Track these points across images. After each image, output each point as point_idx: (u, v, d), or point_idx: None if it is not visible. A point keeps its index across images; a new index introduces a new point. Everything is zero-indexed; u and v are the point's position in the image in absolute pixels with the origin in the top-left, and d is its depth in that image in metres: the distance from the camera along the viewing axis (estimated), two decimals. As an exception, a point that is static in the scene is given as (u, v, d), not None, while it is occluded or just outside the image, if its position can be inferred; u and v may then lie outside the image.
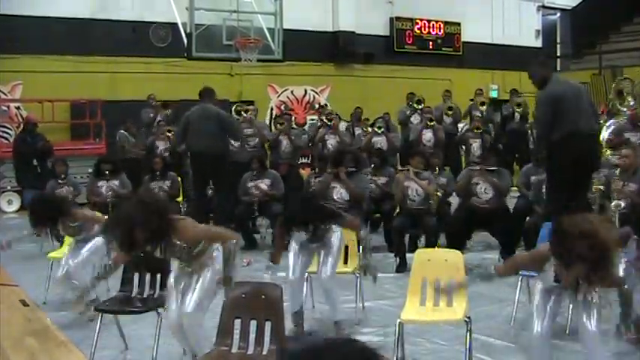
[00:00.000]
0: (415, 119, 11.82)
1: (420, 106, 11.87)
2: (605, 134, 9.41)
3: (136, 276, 4.52)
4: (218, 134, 7.70)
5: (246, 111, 10.25)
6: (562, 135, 5.87)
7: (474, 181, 6.89)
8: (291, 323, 4.77)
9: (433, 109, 12.06)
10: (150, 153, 10.54)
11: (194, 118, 7.76)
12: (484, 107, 12.63)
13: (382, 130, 10.30)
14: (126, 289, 4.50)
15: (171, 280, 3.92)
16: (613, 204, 6.28)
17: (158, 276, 4.47)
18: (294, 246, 4.93)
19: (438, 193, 7.46)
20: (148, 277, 4.51)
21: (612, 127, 9.61)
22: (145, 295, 4.45)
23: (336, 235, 4.89)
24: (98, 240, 5.18)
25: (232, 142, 8.68)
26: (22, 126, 10.78)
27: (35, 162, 9.06)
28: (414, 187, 7.11)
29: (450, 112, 12.36)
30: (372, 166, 8.04)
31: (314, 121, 13.11)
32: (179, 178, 8.94)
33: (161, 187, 8.41)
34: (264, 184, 8.09)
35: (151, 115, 11.68)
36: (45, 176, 8.73)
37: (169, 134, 10.50)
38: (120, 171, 8.51)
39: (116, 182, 8.29)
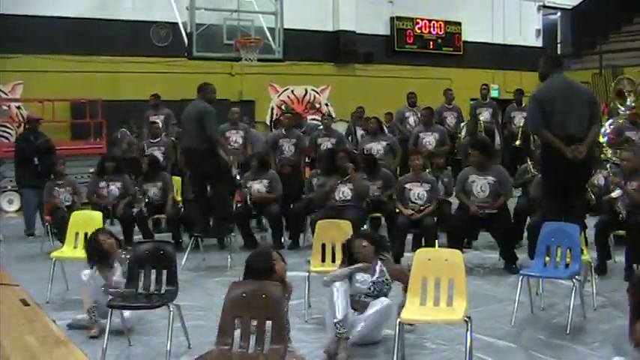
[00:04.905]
0: (413, 120, 11.73)
1: (413, 108, 11.73)
2: (605, 133, 9.43)
3: (142, 273, 4.52)
4: (200, 131, 7.56)
5: None
6: (547, 140, 5.65)
7: (471, 179, 6.82)
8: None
9: (435, 112, 11.87)
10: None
11: (183, 116, 7.73)
12: (487, 99, 12.27)
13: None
14: (132, 286, 4.50)
15: None
16: (614, 193, 6.35)
17: (164, 272, 4.49)
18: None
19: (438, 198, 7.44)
20: (153, 273, 4.52)
21: (612, 126, 9.62)
22: (150, 292, 4.47)
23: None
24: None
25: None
26: (23, 125, 10.65)
27: (36, 161, 8.87)
28: (416, 190, 7.12)
29: (449, 106, 12.07)
30: (368, 171, 7.78)
31: (313, 122, 13.05)
32: (180, 179, 8.88)
33: (156, 187, 8.21)
34: (261, 185, 8.00)
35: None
36: (44, 175, 8.59)
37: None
38: (123, 170, 8.40)
39: (118, 184, 8.14)
